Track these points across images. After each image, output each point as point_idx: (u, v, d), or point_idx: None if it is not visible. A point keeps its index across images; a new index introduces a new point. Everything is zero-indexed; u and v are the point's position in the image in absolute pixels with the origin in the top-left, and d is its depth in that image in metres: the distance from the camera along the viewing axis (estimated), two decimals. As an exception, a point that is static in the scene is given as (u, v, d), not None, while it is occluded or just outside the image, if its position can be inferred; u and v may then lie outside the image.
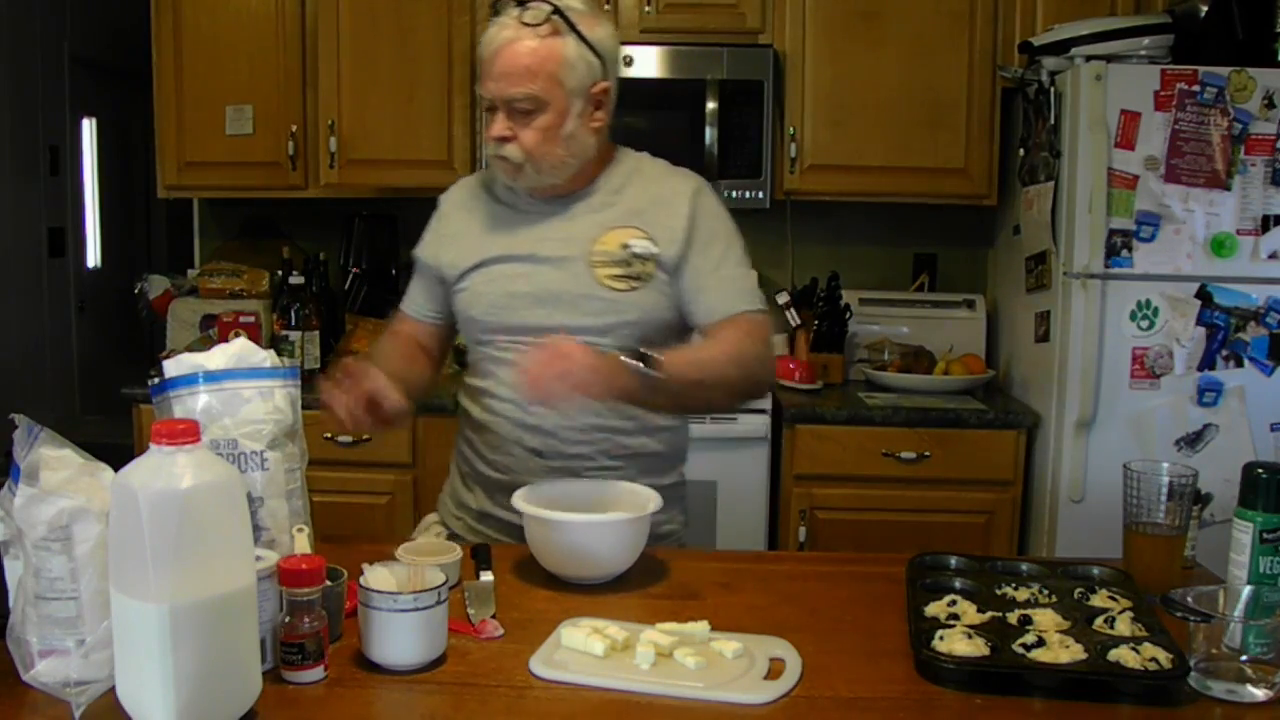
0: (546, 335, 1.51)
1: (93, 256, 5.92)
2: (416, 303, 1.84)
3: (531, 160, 1.62)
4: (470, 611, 1.33)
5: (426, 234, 1.82)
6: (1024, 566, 1.48)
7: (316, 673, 1.14)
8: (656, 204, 1.69)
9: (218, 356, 1.34)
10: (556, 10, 1.58)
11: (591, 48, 1.61)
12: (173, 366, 1.33)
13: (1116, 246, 2.58)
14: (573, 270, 1.65)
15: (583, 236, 1.66)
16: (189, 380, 1.32)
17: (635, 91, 2.92)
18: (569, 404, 1.50)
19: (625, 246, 1.65)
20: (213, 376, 1.32)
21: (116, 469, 1.04)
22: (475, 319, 1.73)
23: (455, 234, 1.76)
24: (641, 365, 1.49)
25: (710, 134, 2.84)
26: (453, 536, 1.74)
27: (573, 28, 1.59)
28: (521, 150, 1.61)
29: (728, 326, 1.66)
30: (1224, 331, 2.59)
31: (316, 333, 3.09)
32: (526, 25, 1.57)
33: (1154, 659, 1.14)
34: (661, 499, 1.50)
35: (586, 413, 1.63)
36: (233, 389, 1.32)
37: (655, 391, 1.52)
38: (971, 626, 1.24)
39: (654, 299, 1.66)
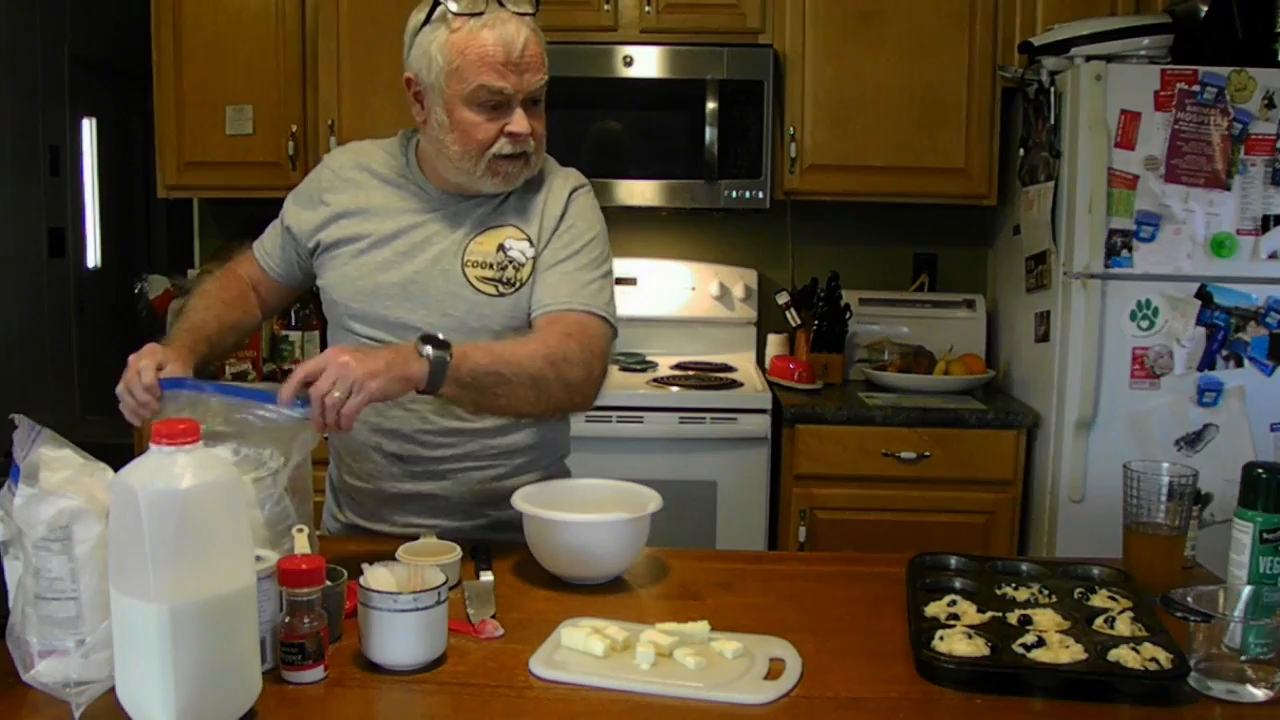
0: (405, 331, 1.44)
1: (93, 256, 5.91)
2: (268, 252, 1.72)
3: (538, 153, 1.59)
4: (470, 611, 1.33)
5: (309, 187, 1.68)
6: (1024, 566, 1.48)
7: (316, 673, 1.14)
8: (539, 201, 1.62)
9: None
10: None
11: None
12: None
13: (1116, 246, 2.58)
14: (444, 267, 1.59)
15: (463, 233, 1.60)
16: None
17: (635, 91, 2.96)
18: (356, 410, 1.31)
19: (501, 248, 1.59)
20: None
21: (116, 469, 1.04)
22: (338, 302, 1.63)
23: (336, 198, 1.64)
24: (430, 348, 1.36)
25: (710, 134, 2.84)
26: None
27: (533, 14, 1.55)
28: (535, 143, 1.56)
29: (555, 323, 1.54)
30: (1224, 331, 2.59)
31: (317, 333, 3.10)
32: (519, 14, 1.51)
33: (1154, 659, 1.14)
34: (661, 499, 1.50)
35: (446, 415, 1.58)
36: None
37: (452, 383, 1.38)
38: (971, 626, 1.24)
39: (524, 306, 1.59)
